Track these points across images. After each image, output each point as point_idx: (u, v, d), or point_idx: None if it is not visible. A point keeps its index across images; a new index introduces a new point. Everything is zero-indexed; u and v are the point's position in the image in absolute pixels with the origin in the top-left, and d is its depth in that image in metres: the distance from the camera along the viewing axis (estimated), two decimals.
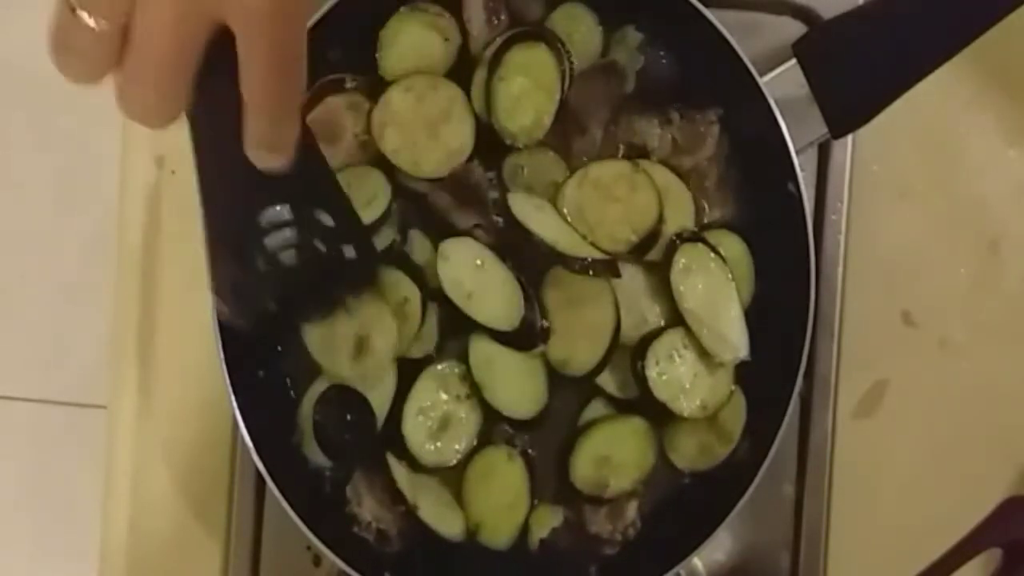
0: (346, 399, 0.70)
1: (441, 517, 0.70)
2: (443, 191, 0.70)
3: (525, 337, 0.69)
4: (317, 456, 0.71)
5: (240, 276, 0.61)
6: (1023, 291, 0.78)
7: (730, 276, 0.70)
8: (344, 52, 0.71)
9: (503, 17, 0.72)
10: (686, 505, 0.73)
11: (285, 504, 0.67)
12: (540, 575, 0.73)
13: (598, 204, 0.70)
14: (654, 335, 0.70)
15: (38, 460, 1.58)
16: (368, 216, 0.68)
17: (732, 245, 0.72)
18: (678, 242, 0.70)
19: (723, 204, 0.73)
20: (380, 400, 0.71)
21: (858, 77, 0.69)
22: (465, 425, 0.71)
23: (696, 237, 0.70)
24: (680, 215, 0.71)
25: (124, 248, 0.79)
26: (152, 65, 0.42)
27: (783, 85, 0.68)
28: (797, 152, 0.68)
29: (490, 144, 0.71)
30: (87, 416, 1.54)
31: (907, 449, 0.77)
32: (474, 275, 0.69)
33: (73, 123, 1.56)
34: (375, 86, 0.71)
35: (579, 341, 0.70)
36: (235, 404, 0.67)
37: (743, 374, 0.71)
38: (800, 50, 0.68)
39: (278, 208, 0.59)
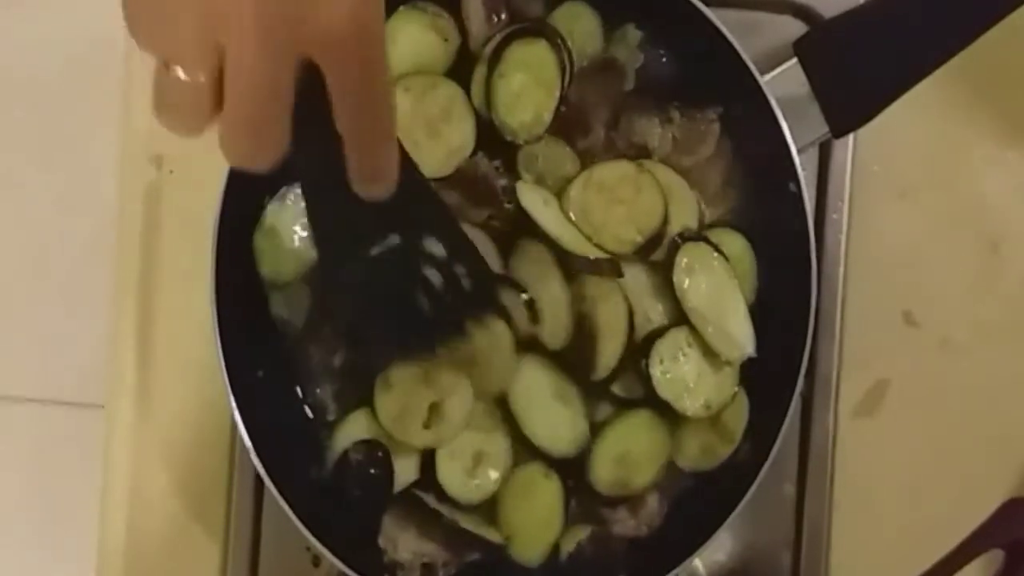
0: (372, 454, 0.70)
1: (479, 527, 0.70)
2: (451, 189, 0.70)
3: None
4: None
5: (358, 316, 0.61)
6: None
7: (733, 274, 0.70)
8: None
9: (503, 15, 0.72)
10: (687, 506, 0.73)
11: (284, 505, 0.67)
12: None
13: (603, 206, 0.69)
14: (658, 334, 0.70)
15: (36, 460, 1.57)
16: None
17: (734, 243, 0.71)
18: (680, 242, 0.70)
19: (724, 203, 0.73)
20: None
21: (859, 76, 0.68)
22: (498, 456, 0.70)
23: (698, 236, 0.70)
24: (684, 215, 0.71)
25: (123, 248, 0.79)
26: (245, 111, 0.42)
27: (784, 84, 0.68)
28: (798, 151, 0.68)
29: (493, 137, 0.70)
30: (85, 416, 1.53)
31: (908, 449, 0.77)
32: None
33: (72, 124, 1.56)
34: None
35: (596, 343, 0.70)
36: (234, 405, 0.67)
37: (744, 374, 0.71)
38: (801, 49, 0.68)
39: (389, 239, 0.58)
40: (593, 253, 0.69)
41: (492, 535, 0.70)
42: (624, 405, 0.72)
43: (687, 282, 0.69)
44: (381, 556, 0.71)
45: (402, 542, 0.71)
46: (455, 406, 0.69)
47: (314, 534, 0.67)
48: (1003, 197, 0.78)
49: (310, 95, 0.43)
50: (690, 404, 0.69)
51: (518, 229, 0.70)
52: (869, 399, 0.77)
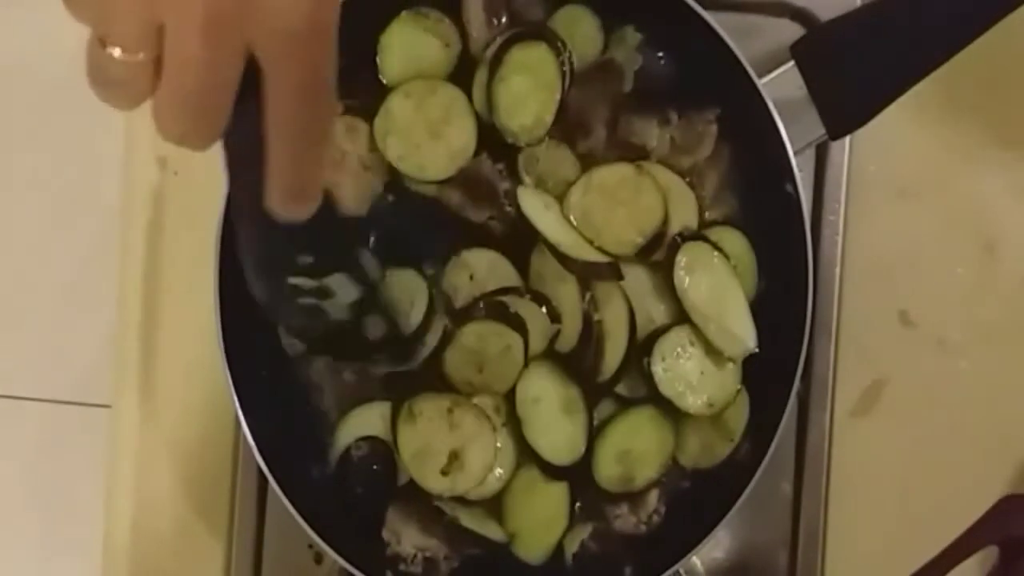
0: (375, 449, 0.71)
1: (482, 525, 0.71)
2: (454, 189, 0.71)
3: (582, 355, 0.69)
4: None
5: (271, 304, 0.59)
6: (1020, 291, 0.78)
7: (734, 271, 0.70)
8: (344, 58, 0.71)
9: (503, 18, 0.72)
10: (686, 504, 0.73)
11: (287, 503, 0.67)
12: None
13: (603, 208, 0.70)
14: (660, 332, 0.70)
15: (42, 459, 1.58)
16: (415, 318, 0.68)
17: (734, 241, 0.72)
18: (680, 241, 0.70)
19: (721, 204, 0.73)
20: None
21: (856, 79, 0.69)
22: (503, 454, 0.71)
23: (697, 235, 0.71)
24: (684, 215, 0.71)
25: (127, 249, 0.79)
26: (183, 94, 0.40)
27: (781, 87, 0.68)
28: (795, 153, 0.68)
29: (495, 140, 0.71)
30: (90, 415, 1.54)
31: (904, 448, 0.78)
32: None
33: (76, 124, 1.56)
34: (369, 106, 0.71)
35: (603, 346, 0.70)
36: (237, 403, 0.68)
37: (742, 373, 0.71)
38: (798, 52, 0.69)
39: (305, 259, 0.56)
40: (592, 257, 0.69)
41: (494, 533, 0.71)
42: (628, 403, 0.72)
43: (687, 281, 0.70)
44: (384, 552, 0.71)
45: (405, 536, 0.71)
46: (475, 456, 0.69)
47: (317, 532, 0.68)
48: (999, 198, 0.79)
49: (244, 95, 0.41)
50: (692, 402, 0.70)
51: (517, 231, 0.70)
52: (865, 399, 0.78)
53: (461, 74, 0.72)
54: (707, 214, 0.73)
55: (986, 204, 0.79)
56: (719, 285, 0.70)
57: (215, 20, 0.38)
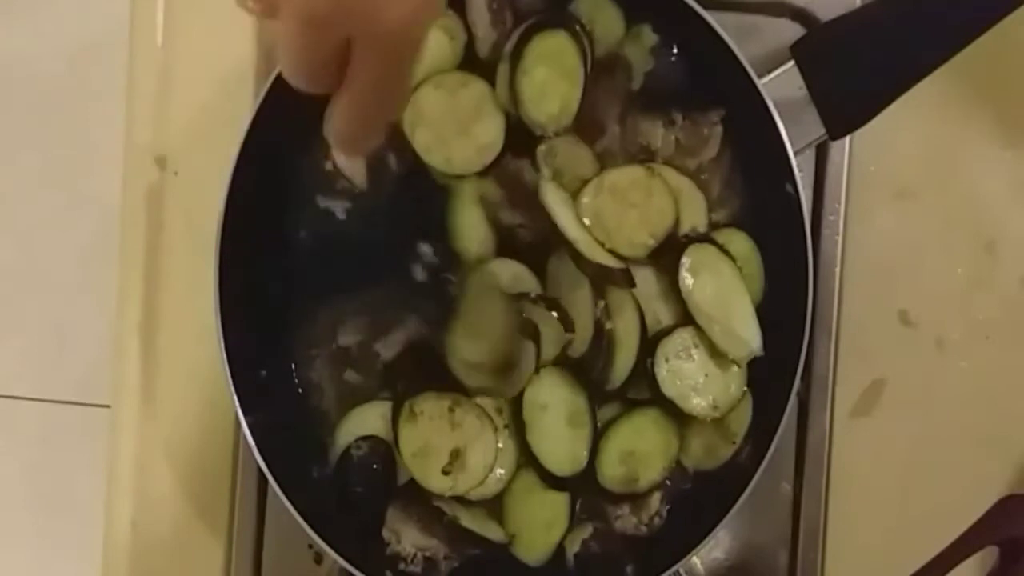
0: (375, 449, 0.71)
1: (483, 525, 0.71)
2: (495, 185, 0.71)
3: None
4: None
5: None
6: (1019, 291, 0.79)
7: (740, 274, 0.70)
8: None
9: (508, 17, 0.72)
10: (686, 505, 0.73)
11: (287, 502, 0.67)
12: None
13: (615, 210, 0.70)
14: (664, 333, 0.70)
15: (42, 459, 1.58)
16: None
17: (741, 244, 0.72)
18: (686, 242, 0.70)
19: (723, 205, 0.74)
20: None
21: (855, 79, 0.69)
22: (504, 455, 0.71)
23: (704, 237, 0.71)
24: (693, 216, 0.72)
25: (126, 248, 0.79)
26: (362, 101, 0.46)
27: (781, 87, 0.68)
28: (795, 153, 0.68)
29: (521, 136, 0.71)
30: (90, 415, 1.54)
31: (904, 448, 0.78)
32: None
33: (76, 124, 1.56)
34: None
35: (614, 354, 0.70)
36: (237, 403, 0.68)
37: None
38: (798, 52, 0.69)
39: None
40: (608, 260, 0.69)
41: (494, 533, 0.71)
42: (633, 404, 0.72)
43: (693, 282, 0.70)
44: (383, 552, 0.71)
45: (405, 535, 0.71)
46: (477, 456, 0.69)
47: (317, 531, 0.68)
48: (999, 197, 0.79)
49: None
50: (696, 403, 0.70)
51: (543, 243, 0.70)
52: (865, 398, 0.78)
53: (467, 68, 0.72)
54: (712, 215, 0.73)
55: (986, 204, 0.79)
56: (725, 287, 0.70)
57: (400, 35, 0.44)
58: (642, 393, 0.71)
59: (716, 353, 0.70)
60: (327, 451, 0.72)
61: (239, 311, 0.69)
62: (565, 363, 0.71)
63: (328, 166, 0.72)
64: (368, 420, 0.72)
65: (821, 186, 0.77)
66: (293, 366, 0.74)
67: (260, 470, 0.68)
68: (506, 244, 0.71)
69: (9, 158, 1.60)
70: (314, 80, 0.45)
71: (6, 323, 1.59)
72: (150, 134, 0.79)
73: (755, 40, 0.76)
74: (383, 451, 0.71)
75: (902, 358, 0.78)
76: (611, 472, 0.71)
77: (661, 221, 0.70)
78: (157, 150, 0.79)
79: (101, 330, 1.39)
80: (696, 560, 0.77)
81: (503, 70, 0.71)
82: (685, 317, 0.70)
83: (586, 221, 0.70)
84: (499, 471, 0.71)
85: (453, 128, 0.70)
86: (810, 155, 0.76)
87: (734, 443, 0.71)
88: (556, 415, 0.70)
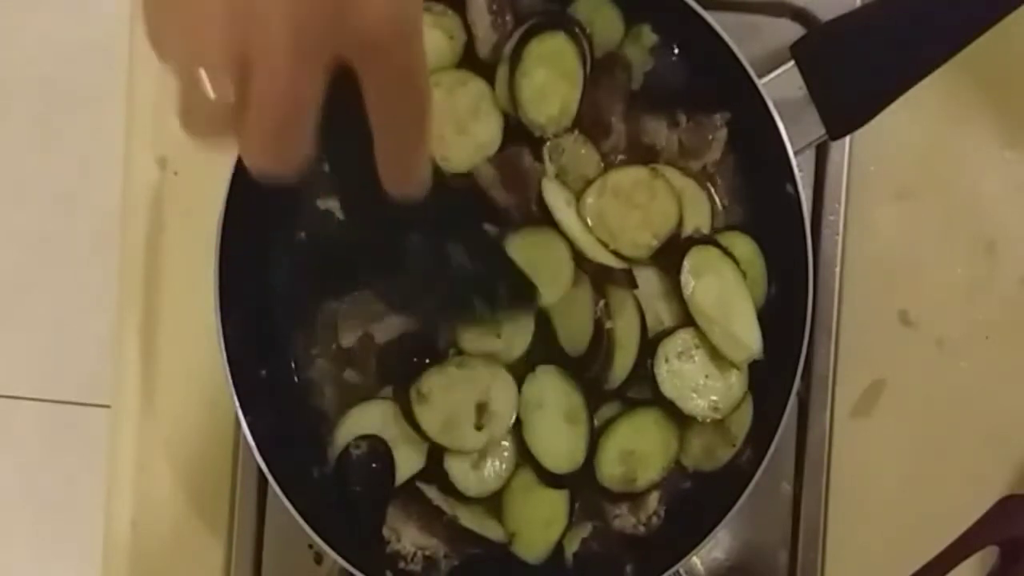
0: (374, 448, 0.71)
1: (482, 524, 0.71)
2: (491, 164, 0.71)
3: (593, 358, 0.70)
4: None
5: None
6: (1020, 291, 0.79)
7: (743, 277, 0.70)
8: None
9: (508, 18, 0.72)
10: (686, 505, 0.73)
11: (287, 502, 0.67)
12: None
13: (619, 211, 0.70)
14: (665, 334, 0.70)
15: (42, 459, 1.58)
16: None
17: (744, 246, 0.72)
18: (689, 244, 0.70)
19: (724, 205, 0.74)
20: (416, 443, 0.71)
21: (855, 79, 0.69)
22: (504, 451, 0.71)
23: (706, 239, 0.71)
24: (697, 217, 0.72)
25: (127, 248, 0.79)
26: (270, 120, 0.40)
27: (781, 87, 0.68)
28: (795, 153, 0.68)
29: (522, 138, 0.71)
30: (90, 415, 1.54)
31: (904, 448, 0.78)
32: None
33: (76, 124, 1.56)
34: None
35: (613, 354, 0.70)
36: (237, 403, 0.68)
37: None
38: (798, 52, 0.69)
39: (414, 238, 0.60)
40: (610, 261, 0.69)
41: (494, 532, 0.71)
42: (634, 404, 0.72)
43: (694, 284, 0.70)
44: (383, 551, 0.71)
45: (405, 534, 0.71)
46: (501, 398, 0.69)
47: (317, 532, 0.68)
48: (999, 198, 0.79)
49: (341, 96, 0.42)
50: (697, 405, 0.70)
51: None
52: (865, 399, 0.78)
53: (466, 67, 0.72)
54: (715, 217, 0.73)
55: (987, 204, 0.79)
56: (727, 290, 0.70)
57: (300, 32, 0.39)
58: (643, 393, 0.71)
59: (717, 355, 0.70)
60: (327, 451, 0.72)
61: (239, 311, 0.69)
62: (562, 361, 0.71)
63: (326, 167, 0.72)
64: (366, 419, 0.71)
65: (821, 186, 0.77)
66: (293, 366, 0.74)
67: (260, 470, 0.68)
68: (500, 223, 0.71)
69: (9, 158, 1.60)
70: (304, 136, 0.41)
71: (6, 323, 1.59)
72: (150, 134, 0.79)
73: (755, 40, 0.76)
74: (382, 450, 0.71)
75: (902, 358, 0.78)
76: (610, 471, 0.71)
77: (664, 222, 0.70)
78: (157, 150, 0.79)
79: (101, 330, 1.39)
80: (696, 560, 0.77)
81: (502, 71, 0.71)
82: (686, 318, 0.70)
83: (588, 221, 0.70)
84: (498, 469, 0.71)
85: (451, 126, 0.70)
86: (810, 155, 0.76)
87: (734, 445, 0.71)
88: (553, 413, 0.70)
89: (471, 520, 0.70)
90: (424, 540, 0.72)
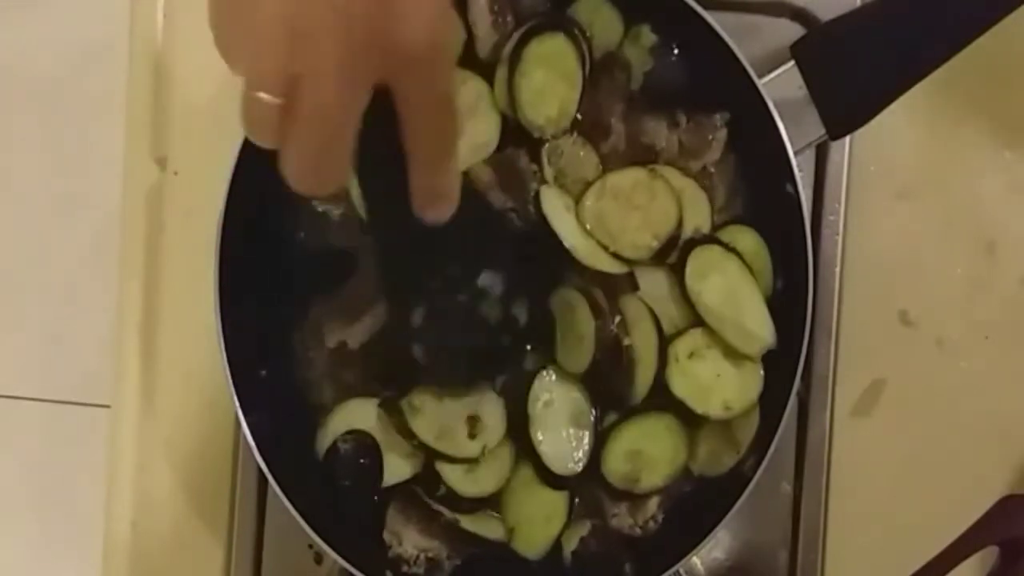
0: (361, 444, 0.71)
1: (482, 524, 0.71)
2: (487, 167, 0.71)
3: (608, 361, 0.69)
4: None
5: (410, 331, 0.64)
6: (1020, 291, 0.79)
7: (748, 270, 0.70)
8: None
9: (509, 19, 0.72)
10: (686, 505, 0.73)
11: (287, 503, 0.67)
12: None
13: (618, 213, 0.70)
14: (675, 334, 0.70)
15: (42, 459, 1.58)
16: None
17: (748, 239, 0.72)
18: (691, 245, 0.70)
19: (724, 205, 0.73)
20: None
21: (856, 79, 0.69)
22: (499, 456, 0.71)
23: (708, 238, 0.71)
24: (697, 217, 0.71)
25: (126, 249, 0.79)
26: (314, 132, 0.43)
27: (781, 87, 0.68)
28: (795, 153, 0.68)
29: (522, 140, 0.71)
30: (90, 415, 1.54)
31: (904, 448, 0.78)
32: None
33: (76, 124, 1.56)
34: None
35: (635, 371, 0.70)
36: (237, 403, 0.68)
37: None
38: (798, 52, 0.69)
39: (449, 270, 0.61)
40: (605, 266, 0.69)
41: (493, 531, 0.71)
42: (649, 407, 0.71)
43: (700, 285, 0.70)
44: (385, 552, 0.71)
45: (406, 537, 0.71)
46: (490, 413, 0.70)
47: (317, 532, 0.68)
48: (999, 198, 0.79)
49: (378, 112, 0.44)
50: (708, 404, 0.70)
51: (533, 230, 0.70)
52: (865, 399, 0.78)
53: (466, 65, 0.71)
54: (716, 216, 0.73)
55: (987, 204, 0.79)
56: (734, 285, 0.70)
57: (347, 56, 0.41)
58: (655, 394, 0.71)
59: (730, 352, 0.70)
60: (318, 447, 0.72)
61: (239, 311, 0.69)
62: (584, 380, 0.70)
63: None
64: (354, 415, 0.72)
65: (821, 186, 0.77)
66: (293, 366, 0.74)
67: (260, 470, 0.68)
68: (497, 227, 0.71)
69: (9, 158, 1.60)
70: (344, 157, 0.44)
71: (6, 323, 1.59)
72: (150, 134, 0.79)
73: (755, 40, 0.76)
74: (369, 444, 0.71)
75: (902, 358, 0.78)
76: (615, 466, 0.71)
77: (664, 223, 0.70)
78: (157, 150, 0.79)
79: (101, 330, 1.40)
80: (696, 560, 0.77)
81: (501, 72, 0.71)
82: (695, 318, 0.70)
83: (588, 226, 0.70)
84: (494, 471, 0.71)
85: None
86: (810, 155, 0.76)
87: (738, 452, 0.70)
88: (560, 412, 0.70)
89: (470, 522, 0.70)
90: (426, 542, 0.72)
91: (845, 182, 0.77)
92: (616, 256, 0.70)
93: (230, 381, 0.68)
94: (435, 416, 0.69)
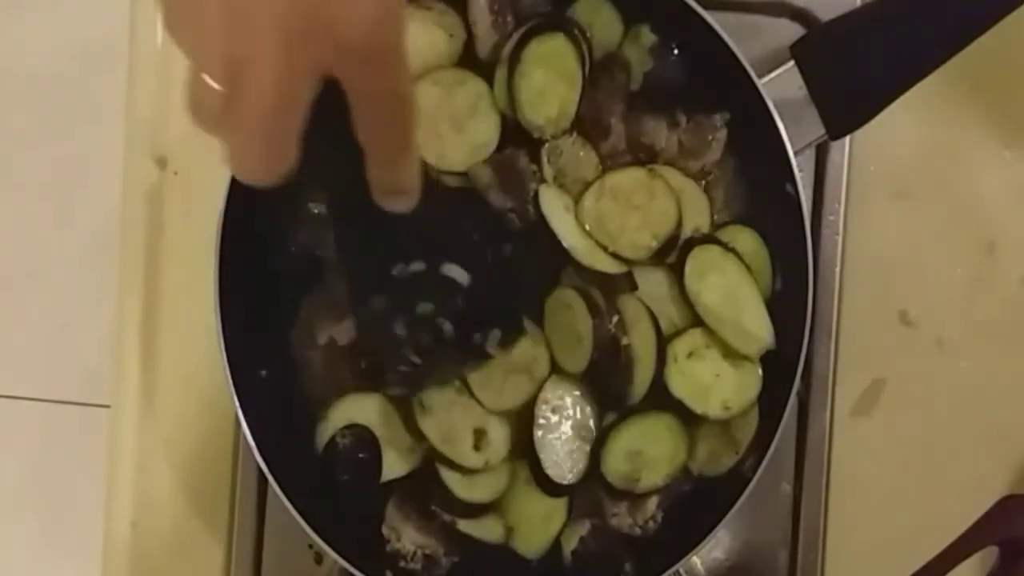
0: (360, 438, 0.71)
1: (479, 527, 0.71)
2: (488, 167, 0.70)
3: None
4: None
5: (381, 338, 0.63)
6: (1019, 291, 0.79)
7: (747, 270, 0.70)
8: None
9: (509, 18, 0.72)
10: (685, 505, 0.73)
11: (287, 503, 0.67)
12: None
13: (618, 213, 0.70)
14: (675, 334, 0.70)
15: (42, 459, 1.58)
16: None
17: (748, 239, 0.72)
18: (690, 246, 0.70)
19: (724, 205, 0.73)
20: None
21: (855, 79, 0.69)
22: (499, 471, 0.71)
23: (707, 238, 0.71)
24: (696, 217, 0.71)
25: (127, 249, 0.79)
26: (255, 119, 0.42)
27: (781, 87, 0.68)
28: (795, 153, 0.68)
29: (521, 140, 0.71)
30: (91, 415, 1.54)
31: (904, 448, 0.78)
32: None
33: (75, 124, 1.56)
34: None
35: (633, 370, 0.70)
36: (237, 404, 0.68)
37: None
38: (798, 52, 0.69)
39: (412, 265, 0.60)
40: (604, 266, 0.69)
41: (492, 533, 0.71)
42: (649, 407, 0.71)
43: (699, 286, 0.70)
44: (383, 551, 0.71)
45: (405, 532, 0.71)
46: (496, 431, 0.70)
47: (317, 531, 0.68)
48: (999, 198, 0.79)
49: (329, 108, 0.44)
50: (707, 404, 0.70)
51: (532, 230, 0.70)
52: (865, 398, 0.78)
53: (466, 66, 0.72)
54: (715, 216, 0.73)
55: (987, 204, 0.79)
56: (733, 285, 0.70)
57: (289, 43, 0.41)
58: (655, 394, 0.71)
59: (729, 352, 0.70)
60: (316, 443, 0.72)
61: (239, 311, 0.69)
62: (584, 380, 0.70)
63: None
64: (354, 409, 0.72)
65: (821, 186, 0.77)
66: (293, 366, 0.74)
67: (260, 470, 0.68)
68: (497, 227, 0.70)
69: (9, 158, 1.60)
70: (290, 144, 0.43)
71: (6, 323, 1.59)
72: (150, 134, 0.79)
73: (755, 40, 0.76)
74: (368, 439, 0.71)
75: (902, 358, 0.78)
76: (615, 466, 0.70)
77: (664, 223, 0.70)
78: (157, 150, 0.79)
79: (101, 330, 1.39)
80: (696, 560, 0.77)
81: (501, 72, 0.70)
82: (694, 318, 0.70)
83: (587, 226, 0.70)
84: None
85: (447, 124, 0.70)
86: (810, 155, 0.76)
87: (737, 453, 0.70)
88: (565, 418, 0.70)
89: (469, 523, 0.70)
90: (423, 539, 0.72)
91: (845, 182, 0.77)
92: (615, 256, 0.70)
93: (230, 381, 0.68)
94: (444, 419, 0.69)
